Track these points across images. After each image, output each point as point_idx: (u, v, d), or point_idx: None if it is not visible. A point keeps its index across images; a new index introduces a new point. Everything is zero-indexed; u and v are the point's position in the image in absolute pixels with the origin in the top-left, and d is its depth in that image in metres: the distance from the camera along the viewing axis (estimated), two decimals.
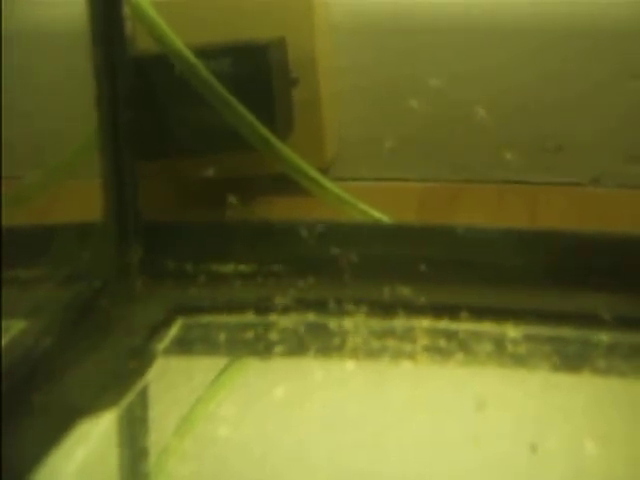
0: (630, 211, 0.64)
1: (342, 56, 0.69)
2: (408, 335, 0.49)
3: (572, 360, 0.47)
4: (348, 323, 0.50)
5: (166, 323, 0.51)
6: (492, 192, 0.68)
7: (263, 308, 0.52)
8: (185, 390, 0.46)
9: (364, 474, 0.39)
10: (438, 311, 0.50)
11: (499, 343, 0.48)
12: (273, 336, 0.50)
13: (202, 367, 0.49)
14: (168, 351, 0.49)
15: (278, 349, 0.49)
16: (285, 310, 0.51)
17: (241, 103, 0.58)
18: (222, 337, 0.50)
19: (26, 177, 0.64)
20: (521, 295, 0.52)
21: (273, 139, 0.59)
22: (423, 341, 0.48)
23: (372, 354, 0.48)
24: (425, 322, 0.50)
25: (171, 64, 0.58)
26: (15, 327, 0.48)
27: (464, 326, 0.49)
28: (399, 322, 0.50)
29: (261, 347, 0.49)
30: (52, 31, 0.71)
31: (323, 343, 0.49)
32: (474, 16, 0.68)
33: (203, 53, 0.58)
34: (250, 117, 0.58)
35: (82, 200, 0.57)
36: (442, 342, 0.48)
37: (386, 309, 0.51)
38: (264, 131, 0.59)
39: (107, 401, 0.44)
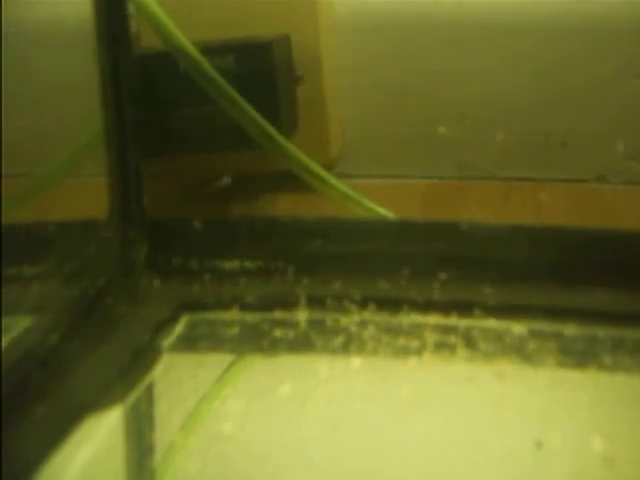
0: (635, 208, 0.64)
1: (347, 54, 0.69)
2: (415, 332, 0.49)
3: (577, 356, 0.47)
4: (353, 320, 0.50)
5: (171, 320, 0.51)
6: (497, 189, 0.68)
7: (268, 305, 0.52)
8: (191, 387, 0.46)
9: (369, 472, 0.39)
10: (444, 308, 0.50)
11: (504, 339, 0.48)
12: (278, 333, 0.50)
13: (208, 364, 0.49)
14: (174, 348, 0.49)
15: (284, 346, 0.49)
16: (290, 307, 0.51)
17: (246, 100, 0.58)
18: (228, 334, 0.50)
19: (31, 174, 0.64)
20: (526, 291, 0.51)
21: (278, 136, 0.59)
22: (430, 338, 0.48)
23: (378, 351, 0.48)
24: (431, 319, 0.50)
25: (176, 61, 0.58)
26: (20, 324, 0.48)
27: (470, 322, 0.49)
28: (405, 319, 0.50)
29: (267, 344, 0.49)
30: (57, 29, 0.71)
31: (329, 340, 0.49)
32: (477, 14, 0.68)
33: (208, 50, 0.58)
34: (255, 114, 0.58)
35: (87, 197, 0.57)
36: (448, 338, 0.48)
37: (392, 306, 0.51)
38: (269, 128, 0.59)
39: (113, 398, 0.44)
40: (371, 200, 0.60)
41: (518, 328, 0.49)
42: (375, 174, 0.71)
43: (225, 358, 0.49)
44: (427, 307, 0.50)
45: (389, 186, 0.70)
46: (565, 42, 0.67)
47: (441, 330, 0.49)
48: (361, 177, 0.71)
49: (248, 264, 0.55)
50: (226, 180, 0.60)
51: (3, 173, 0.67)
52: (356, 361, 0.47)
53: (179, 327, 0.51)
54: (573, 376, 0.46)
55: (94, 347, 0.47)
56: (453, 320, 0.50)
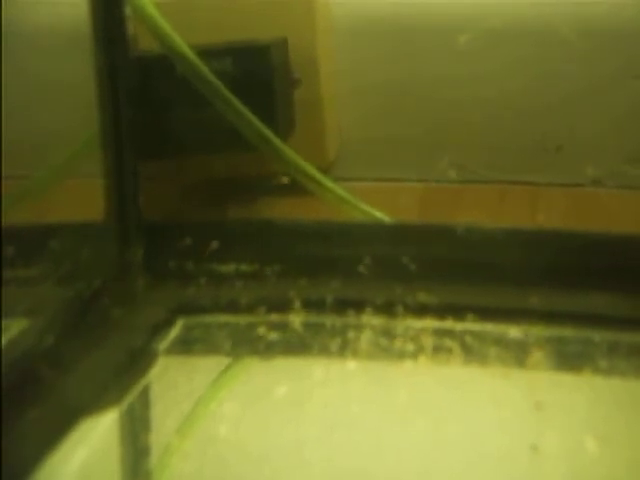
0: (631, 211, 0.64)
1: (344, 56, 0.69)
2: (411, 335, 0.49)
3: (573, 360, 0.47)
4: (349, 323, 0.50)
5: (167, 323, 0.51)
6: (493, 192, 0.68)
7: (264, 308, 0.52)
8: (186, 390, 0.46)
9: (364, 475, 0.39)
10: (440, 311, 0.50)
11: (500, 343, 0.48)
12: (274, 336, 0.50)
13: (203, 367, 0.49)
14: (169, 351, 0.49)
15: (279, 349, 0.49)
16: (286, 310, 0.51)
17: (243, 103, 0.58)
18: (223, 337, 0.50)
19: (28, 176, 0.64)
20: (522, 295, 0.52)
21: (274, 139, 0.59)
22: (426, 341, 0.48)
23: (374, 354, 0.48)
24: (427, 322, 0.50)
25: (173, 64, 0.58)
26: (16, 326, 0.48)
27: (465, 326, 0.49)
28: (401, 322, 0.50)
29: (262, 347, 0.49)
30: (54, 31, 0.71)
31: (324, 343, 0.49)
32: (475, 17, 0.68)
33: (205, 53, 0.58)
34: (251, 117, 0.58)
35: (84, 199, 0.57)
36: (443, 342, 0.48)
37: (387, 309, 0.51)
38: (265, 131, 0.59)
39: (108, 400, 0.44)
40: (369, 203, 0.60)
41: (514, 332, 0.49)
42: (373, 177, 0.71)
43: (221, 361, 0.49)
44: (423, 311, 0.50)
45: (387, 189, 0.70)
46: (562, 45, 0.67)
47: (437, 334, 0.49)
48: (359, 180, 0.70)
49: (244, 267, 0.55)
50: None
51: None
52: (352, 364, 0.47)
53: (175, 330, 0.51)
54: (569, 379, 0.46)
55: (90, 349, 0.47)
56: (449, 324, 0.50)
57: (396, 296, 0.52)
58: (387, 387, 0.45)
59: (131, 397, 0.45)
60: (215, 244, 0.56)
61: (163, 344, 0.50)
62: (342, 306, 0.51)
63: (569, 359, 0.48)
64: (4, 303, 0.49)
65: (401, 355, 0.48)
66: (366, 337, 0.49)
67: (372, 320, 0.50)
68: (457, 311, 0.50)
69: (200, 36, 0.60)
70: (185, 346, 0.50)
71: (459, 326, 0.49)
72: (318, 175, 0.60)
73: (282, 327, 0.50)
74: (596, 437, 0.40)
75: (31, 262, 0.55)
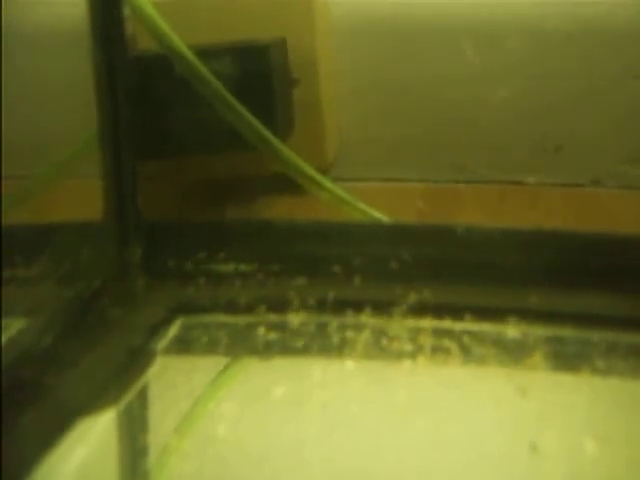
0: (630, 211, 0.64)
1: (344, 56, 0.70)
2: (410, 335, 0.49)
3: (572, 360, 0.47)
4: (348, 323, 0.50)
5: (166, 322, 0.51)
6: (493, 193, 0.68)
7: (263, 308, 0.52)
8: (185, 389, 0.46)
9: (364, 475, 0.39)
10: (439, 311, 0.50)
11: (498, 343, 0.48)
12: (273, 336, 0.50)
13: (202, 366, 0.49)
14: (168, 350, 0.49)
15: (278, 349, 0.49)
16: (285, 310, 0.51)
17: (242, 103, 0.58)
18: (222, 336, 0.50)
19: (28, 176, 0.64)
20: (521, 295, 0.51)
21: (273, 139, 0.59)
22: (424, 341, 0.48)
23: (372, 354, 0.48)
24: (426, 322, 0.50)
25: (171, 64, 0.58)
26: (15, 326, 0.48)
27: (464, 326, 0.49)
28: (399, 322, 0.50)
29: (261, 347, 0.49)
30: (53, 31, 0.71)
31: (323, 343, 0.49)
32: (474, 17, 0.68)
33: (204, 53, 0.58)
34: (250, 117, 0.58)
35: (83, 199, 0.57)
36: (443, 342, 0.48)
37: (386, 309, 0.51)
38: (264, 131, 0.59)
39: (107, 400, 0.44)
40: (369, 202, 0.60)
41: (512, 332, 0.49)
42: (371, 177, 0.71)
43: (220, 361, 0.49)
44: (422, 311, 0.50)
45: (385, 190, 0.70)
46: (562, 45, 0.67)
47: (436, 334, 0.49)
48: (359, 180, 0.71)
49: (243, 267, 0.55)
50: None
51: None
52: (351, 364, 0.47)
53: (174, 329, 0.51)
54: (567, 379, 0.46)
55: (88, 349, 0.47)
56: (447, 324, 0.50)
57: (395, 296, 0.52)
58: (386, 387, 0.45)
59: (129, 397, 0.45)
60: (214, 244, 0.56)
61: (162, 344, 0.50)
62: (341, 306, 0.51)
63: (568, 359, 0.48)
64: (4, 303, 0.49)
65: (400, 355, 0.47)
66: (365, 337, 0.49)
67: (371, 320, 0.50)
68: (456, 311, 0.50)
69: (199, 36, 0.60)
70: (184, 346, 0.50)
71: (457, 326, 0.49)
72: (317, 175, 0.60)
73: (281, 327, 0.50)
74: (595, 437, 0.40)
75: (30, 262, 0.55)
